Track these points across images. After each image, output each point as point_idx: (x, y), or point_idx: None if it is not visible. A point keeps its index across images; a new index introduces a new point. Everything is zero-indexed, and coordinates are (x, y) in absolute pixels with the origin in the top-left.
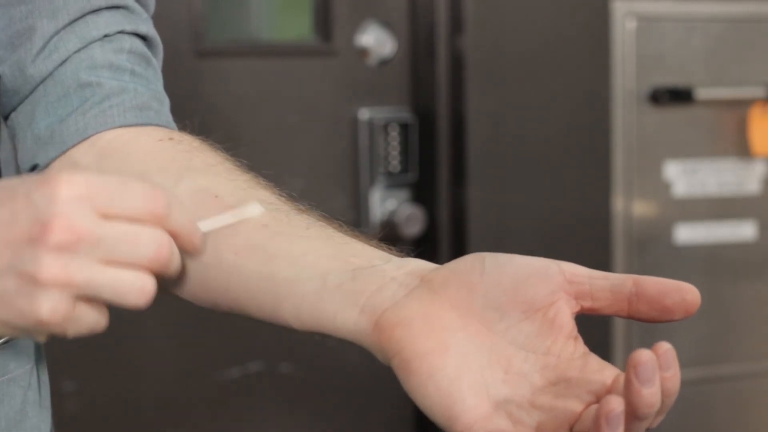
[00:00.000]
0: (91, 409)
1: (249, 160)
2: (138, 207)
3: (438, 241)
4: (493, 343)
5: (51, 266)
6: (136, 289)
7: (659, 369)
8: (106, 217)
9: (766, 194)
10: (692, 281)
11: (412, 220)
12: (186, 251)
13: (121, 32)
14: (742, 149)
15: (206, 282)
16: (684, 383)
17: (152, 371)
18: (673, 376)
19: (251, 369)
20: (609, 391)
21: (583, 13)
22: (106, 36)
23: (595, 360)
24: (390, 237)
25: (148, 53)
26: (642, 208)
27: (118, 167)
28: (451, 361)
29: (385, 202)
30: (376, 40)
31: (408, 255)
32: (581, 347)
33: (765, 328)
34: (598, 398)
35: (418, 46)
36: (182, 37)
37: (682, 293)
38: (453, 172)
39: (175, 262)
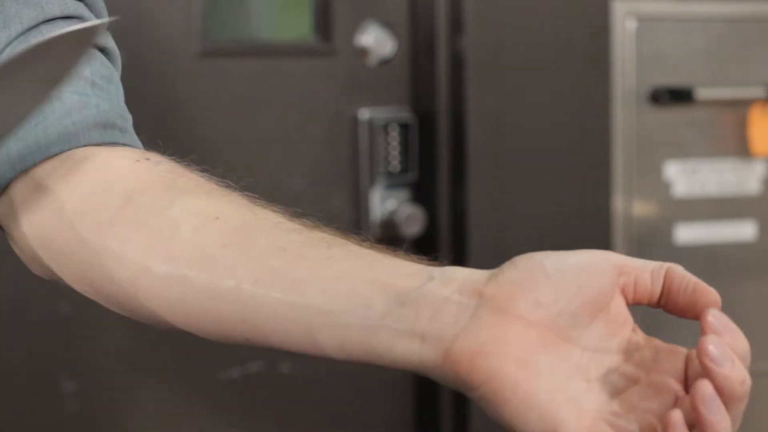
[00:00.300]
0: (91, 409)
1: (249, 160)
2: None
3: (438, 241)
4: (569, 353)
5: None
6: None
7: (725, 336)
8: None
9: (766, 194)
10: None
11: (412, 220)
12: None
13: None
14: (742, 149)
15: (220, 315)
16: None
17: (152, 371)
18: (738, 335)
19: (251, 369)
20: (687, 375)
21: (583, 13)
22: None
23: (660, 344)
24: (390, 237)
25: (110, 65)
26: (642, 208)
27: (94, 189)
28: (543, 383)
29: (385, 202)
30: (376, 40)
31: (442, 263)
32: (641, 334)
33: (765, 328)
34: (683, 381)
35: (418, 46)
36: (182, 37)
37: (707, 295)
38: (453, 172)
39: None
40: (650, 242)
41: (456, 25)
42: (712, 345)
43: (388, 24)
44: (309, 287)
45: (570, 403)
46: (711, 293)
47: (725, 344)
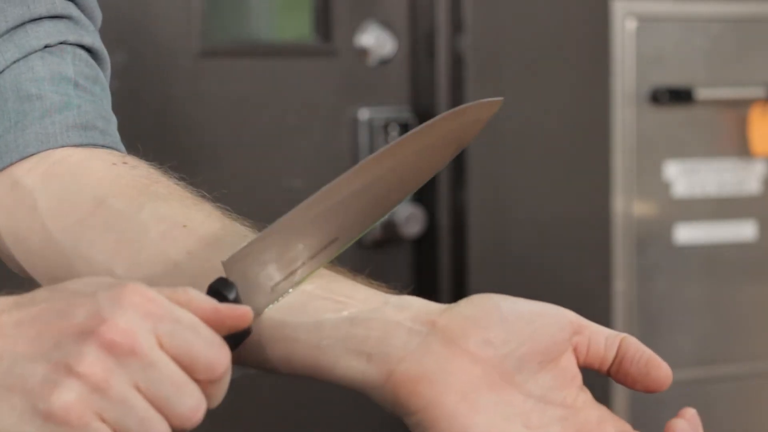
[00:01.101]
0: None
1: (249, 160)
2: (200, 361)
3: (438, 241)
4: (512, 397)
5: (93, 362)
6: None
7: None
8: (161, 347)
9: (766, 194)
10: (692, 281)
11: (412, 220)
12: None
13: (63, 43)
14: (742, 149)
15: None
16: (684, 383)
17: None
18: None
19: (251, 369)
20: None
21: (583, 13)
22: (47, 46)
23: (607, 413)
24: (390, 237)
25: (95, 66)
26: (642, 208)
27: (68, 190)
28: (481, 419)
29: None
30: (376, 40)
31: (401, 293)
32: (590, 397)
33: (765, 328)
34: None
35: (418, 46)
36: (182, 37)
37: (659, 369)
38: (453, 172)
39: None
40: (650, 242)
41: (456, 25)
42: (679, 426)
43: (388, 24)
44: None
45: None
46: (663, 367)
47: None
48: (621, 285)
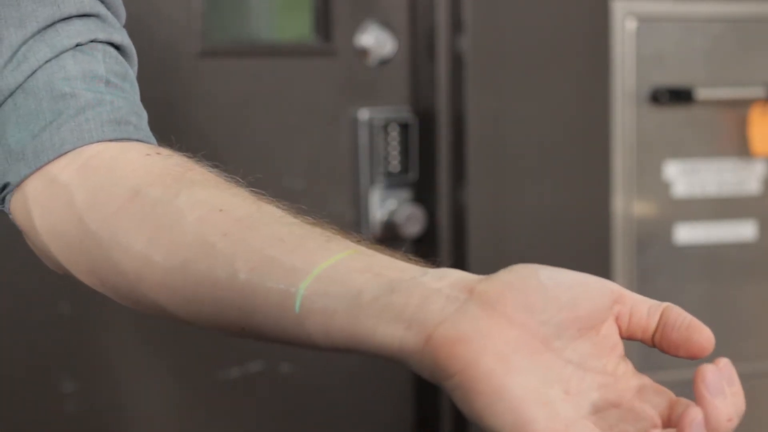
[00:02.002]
0: (91, 409)
1: (249, 160)
2: None
3: (438, 241)
4: (551, 362)
5: None
6: None
7: (732, 384)
8: None
9: (766, 194)
10: (692, 281)
11: (412, 220)
12: None
13: (93, 41)
14: (742, 149)
15: (217, 303)
16: (684, 383)
17: (152, 371)
18: (738, 391)
19: (251, 369)
20: (669, 416)
21: (583, 13)
22: (78, 45)
23: (648, 381)
24: (390, 237)
25: (125, 63)
26: (642, 208)
27: (104, 183)
28: (519, 380)
29: (385, 202)
30: (376, 40)
31: (440, 266)
32: (632, 367)
33: (765, 328)
34: (664, 419)
35: (418, 46)
36: (182, 37)
37: (701, 333)
38: (453, 172)
39: None
40: (650, 242)
41: (456, 25)
42: (711, 373)
43: (388, 24)
44: (302, 275)
45: (544, 406)
46: (705, 331)
47: (723, 379)
48: (621, 285)
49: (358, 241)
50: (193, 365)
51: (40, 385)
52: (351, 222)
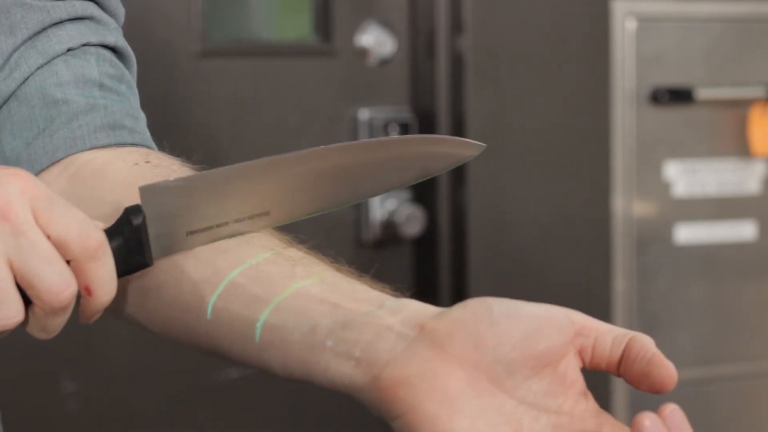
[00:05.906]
0: (91, 409)
1: (249, 160)
2: (71, 236)
3: (438, 241)
4: (501, 402)
5: None
6: (11, 308)
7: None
8: (37, 222)
9: (766, 194)
10: (692, 281)
11: (412, 220)
12: (88, 307)
13: (86, 45)
14: (742, 149)
15: (189, 327)
16: (684, 383)
17: (152, 371)
18: None
19: (251, 369)
20: None
21: (583, 13)
22: (69, 50)
23: (608, 420)
24: (390, 237)
25: (120, 65)
26: (642, 208)
27: (90, 196)
28: (463, 424)
29: (385, 202)
30: (376, 40)
31: (403, 295)
32: (593, 404)
33: (765, 328)
34: None
35: (418, 46)
36: (182, 37)
37: (662, 368)
38: (453, 172)
39: (64, 313)
40: (650, 242)
41: (456, 25)
42: (648, 421)
43: (388, 24)
44: (263, 304)
45: None
46: (666, 366)
47: (662, 428)
48: (621, 285)
49: (329, 265)
50: (193, 365)
51: (40, 385)
52: (351, 222)
